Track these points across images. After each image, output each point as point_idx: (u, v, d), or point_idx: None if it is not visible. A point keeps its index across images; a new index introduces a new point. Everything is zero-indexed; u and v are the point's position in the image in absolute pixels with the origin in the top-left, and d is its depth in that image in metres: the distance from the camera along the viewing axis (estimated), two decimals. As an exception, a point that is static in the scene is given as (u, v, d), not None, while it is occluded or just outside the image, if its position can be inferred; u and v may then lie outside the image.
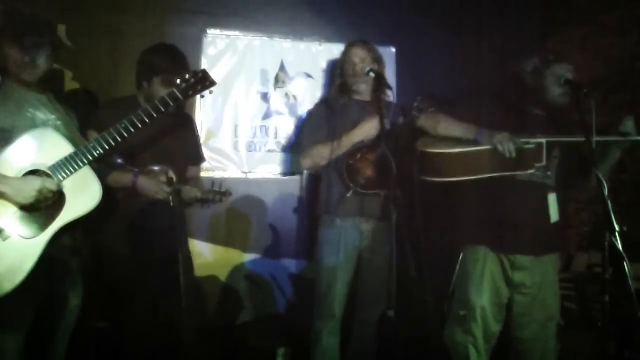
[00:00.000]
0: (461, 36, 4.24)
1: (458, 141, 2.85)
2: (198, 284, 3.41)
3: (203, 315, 3.63)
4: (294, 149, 3.93)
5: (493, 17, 4.30)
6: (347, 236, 3.29)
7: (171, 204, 2.74)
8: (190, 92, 2.39)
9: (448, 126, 2.92)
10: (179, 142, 3.11)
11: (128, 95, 3.12)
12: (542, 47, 3.99)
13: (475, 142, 2.80)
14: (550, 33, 4.22)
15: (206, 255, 3.79)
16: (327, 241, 3.32)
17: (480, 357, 2.89)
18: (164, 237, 2.80)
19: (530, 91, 2.88)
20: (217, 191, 3.02)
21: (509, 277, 2.88)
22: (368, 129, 3.23)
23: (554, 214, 2.85)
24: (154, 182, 2.86)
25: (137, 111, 2.34)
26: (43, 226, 2.19)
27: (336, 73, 3.46)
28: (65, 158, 2.23)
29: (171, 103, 2.37)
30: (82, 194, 2.25)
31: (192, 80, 2.39)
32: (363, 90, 3.36)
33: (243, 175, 3.90)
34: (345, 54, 3.38)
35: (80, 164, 2.24)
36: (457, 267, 3.52)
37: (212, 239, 3.82)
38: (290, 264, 3.94)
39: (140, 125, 2.34)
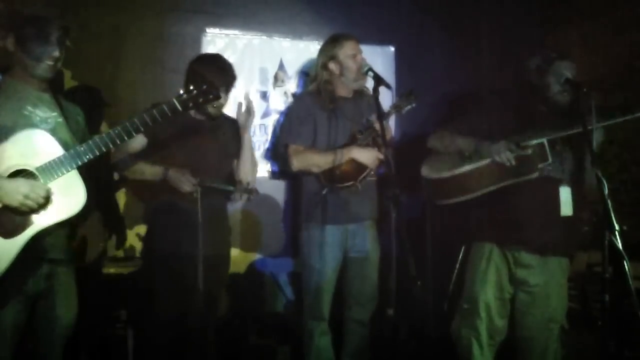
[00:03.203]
0: (460, 35, 4.25)
1: (461, 155, 2.91)
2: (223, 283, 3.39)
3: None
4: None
5: (492, 16, 4.31)
6: (331, 237, 3.28)
7: (195, 195, 2.78)
8: (191, 104, 2.36)
9: (452, 141, 2.97)
10: (217, 144, 3.11)
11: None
12: (545, 45, 3.99)
13: (476, 153, 2.85)
14: (550, 32, 4.22)
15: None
16: (311, 243, 3.31)
17: (483, 351, 2.90)
18: (191, 235, 2.83)
19: (534, 89, 2.90)
20: (246, 189, 3.03)
21: (513, 273, 2.90)
22: (369, 159, 3.22)
23: (565, 208, 2.84)
24: (180, 174, 2.90)
25: (132, 119, 2.31)
26: (23, 227, 2.15)
27: (327, 70, 3.35)
28: (54, 160, 2.19)
29: (169, 113, 2.32)
30: (67, 198, 2.21)
31: (194, 92, 2.35)
32: (362, 86, 3.36)
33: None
34: (341, 47, 3.31)
35: (69, 167, 2.21)
36: (457, 265, 3.55)
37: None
38: (290, 263, 3.94)
39: (134, 134, 2.31)
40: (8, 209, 2.14)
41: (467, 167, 2.87)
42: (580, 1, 4.07)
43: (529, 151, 2.75)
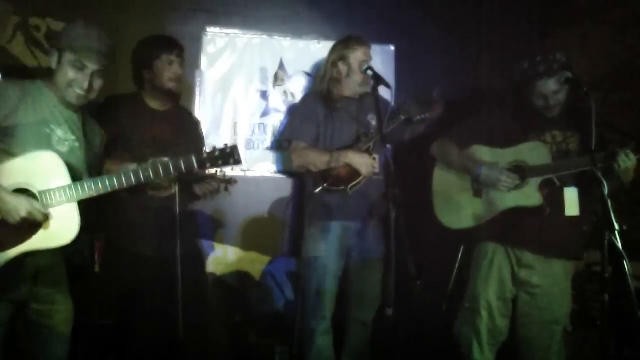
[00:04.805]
0: (460, 34, 4.24)
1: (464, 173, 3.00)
2: (203, 281, 3.38)
3: (205, 313, 3.62)
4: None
5: (493, 15, 4.30)
6: (331, 234, 3.28)
7: (172, 191, 2.74)
8: (208, 164, 2.32)
9: (454, 157, 3.03)
10: (185, 140, 3.12)
11: (130, 92, 3.13)
12: (545, 46, 3.99)
13: (475, 179, 2.93)
14: (550, 32, 4.21)
15: (204, 252, 3.79)
16: (312, 240, 3.32)
17: (483, 351, 2.89)
18: (167, 233, 2.81)
19: (522, 99, 2.91)
20: (223, 179, 2.97)
21: (516, 273, 2.89)
22: (363, 166, 3.22)
23: (569, 208, 2.83)
24: (118, 163, 2.80)
25: (145, 165, 2.29)
26: (14, 243, 2.15)
27: (336, 68, 3.38)
28: (58, 188, 2.18)
29: (183, 170, 2.28)
30: (59, 228, 2.19)
31: (217, 152, 2.30)
32: (366, 91, 3.36)
33: (242, 173, 3.88)
34: (354, 51, 3.33)
35: (70, 199, 2.19)
36: (457, 265, 3.54)
37: (210, 236, 3.83)
38: (289, 262, 3.93)
39: (143, 180, 2.27)
40: (2, 223, 2.14)
41: (478, 222, 2.94)
42: (580, 1, 4.07)
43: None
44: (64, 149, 2.29)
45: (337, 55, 3.38)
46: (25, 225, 2.15)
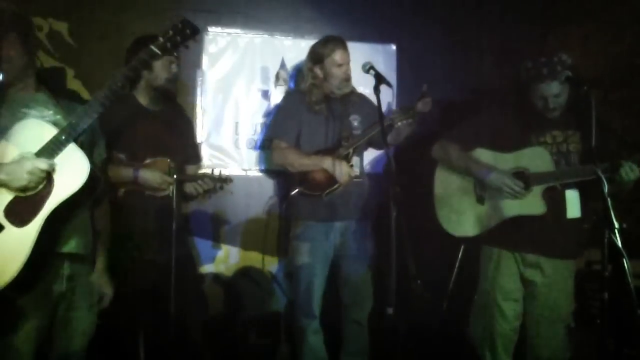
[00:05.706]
0: (461, 34, 4.24)
1: (469, 177, 3.00)
2: (198, 281, 3.40)
3: (204, 313, 3.62)
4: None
5: (493, 15, 4.30)
6: (318, 234, 3.30)
7: (170, 194, 2.73)
8: (169, 45, 2.23)
9: (459, 159, 3.02)
10: (178, 140, 3.13)
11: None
12: (546, 45, 3.99)
13: (482, 182, 2.94)
14: (551, 31, 4.21)
15: (204, 252, 3.80)
16: (299, 240, 3.33)
17: (496, 348, 2.90)
18: (163, 235, 2.80)
19: (523, 99, 2.91)
20: (218, 178, 2.95)
21: (522, 273, 2.91)
22: (340, 175, 3.22)
23: (571, 210, 2.85)
24: (157, 174, 2.88)
25: (114, 75, 2.23)
26: (34, 212, 2.11)
27: (313, 72, 3.38)
28: (51, 140, 2.15)
29: (149, 60, 2.25)
30: (70, 173, 2.15)
31: (171, 32, 2.23)
32: (346, 92, 3.38)
33: (243, 173, 3.90)
34: (329, 55, 3.32)
35: (66, 142, 2.15)
36: (457, 264, 3.55)
37: (211, 236, 3.84)
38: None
39: (121, 89, 2.25)
40: (18, 196, 2.11)
41: (484, 230, 2.95)
42: (580, 0, 4.07)
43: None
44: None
45: (313, 59, 3.38)
46: (37, 183, 2.11)
